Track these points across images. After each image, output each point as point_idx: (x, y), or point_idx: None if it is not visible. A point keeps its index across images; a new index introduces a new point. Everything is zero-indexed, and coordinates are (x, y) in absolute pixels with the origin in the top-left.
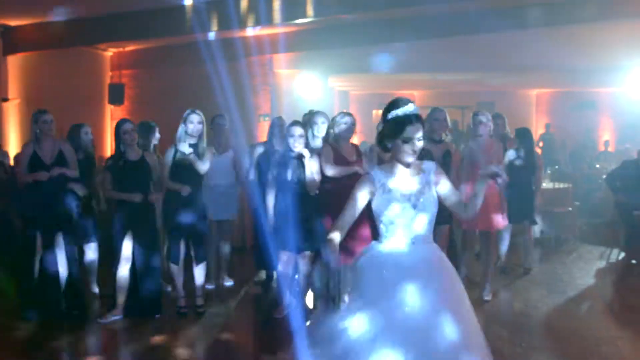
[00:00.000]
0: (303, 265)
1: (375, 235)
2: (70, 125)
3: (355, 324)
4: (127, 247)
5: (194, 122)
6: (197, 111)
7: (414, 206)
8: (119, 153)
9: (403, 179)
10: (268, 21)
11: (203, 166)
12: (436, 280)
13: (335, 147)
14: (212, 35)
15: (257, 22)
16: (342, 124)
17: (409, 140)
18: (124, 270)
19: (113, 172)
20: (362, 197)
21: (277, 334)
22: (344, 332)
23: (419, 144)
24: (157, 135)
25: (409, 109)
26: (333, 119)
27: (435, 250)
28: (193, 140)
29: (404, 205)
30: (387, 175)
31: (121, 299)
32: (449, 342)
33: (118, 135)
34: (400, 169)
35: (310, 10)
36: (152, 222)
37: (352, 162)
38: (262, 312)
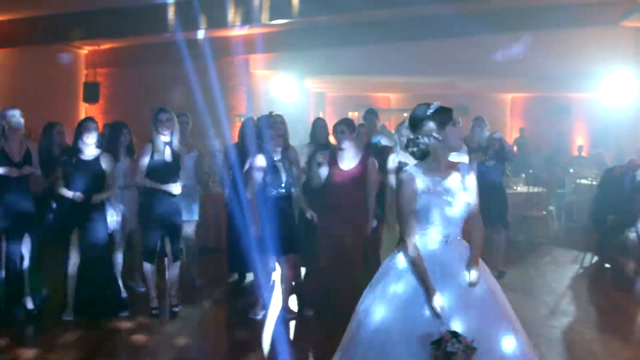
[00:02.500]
0: (286, 269)
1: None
2: (44, 124)
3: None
4: (74, 245)
5: (163, 120)
6: (166, 108)
7: (449, 204)
8: (74, 150)
9: (441, 177)
10: (245, 22)
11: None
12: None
13: (333, 153)
14: (188, 34)
15: (234, 23)
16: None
17: (456, 124)
18: (71, 270)
19: (65, 168)
20: (412, 193)
21: (253, 334)
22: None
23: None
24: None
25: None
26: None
27: (466, 249)
28: (166, 139)
29: (440, 204)
30: (425, 173)
31: (70, 299)
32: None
33: (78, 133)
34: (437, 167)
35: (287, 11)
36: (98, 221)
37: (345, 172)
38: (236, 313)
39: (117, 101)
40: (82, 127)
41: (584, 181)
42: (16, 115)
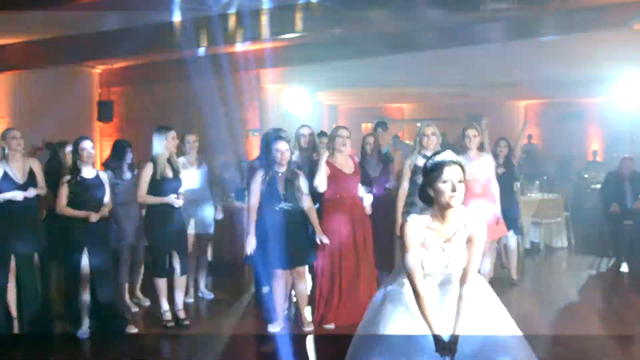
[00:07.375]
0: (297, 280)
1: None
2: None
3: None
4: (85, 265)
5: (169, 139)
6: (172, 126)
7: (446, 266)
8: (75, 170)
9: (441, 233)
10: (255, 37)
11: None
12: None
13: (330, 161)
14: (200, 51)
15: (245, 38)
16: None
17: (447, 180)
18: (84, 287)
19: (70, 189)
20: (417, 246)
21: (271, 348)
22: None
23: (459, 186)
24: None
25: (446, 155)
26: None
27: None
28: (167, 156)
29: (437, 261)
30: (429, 226)
31: (86, 317)
32: None
33: (76, 152)
34: (440, 220)
35: (297, 25)
36: (105, 240)
37: (348, 176)
38: (254, 326)
39: (132, 119)
40: (79, 147)
41: (599, 186)
42: (16, 136)
